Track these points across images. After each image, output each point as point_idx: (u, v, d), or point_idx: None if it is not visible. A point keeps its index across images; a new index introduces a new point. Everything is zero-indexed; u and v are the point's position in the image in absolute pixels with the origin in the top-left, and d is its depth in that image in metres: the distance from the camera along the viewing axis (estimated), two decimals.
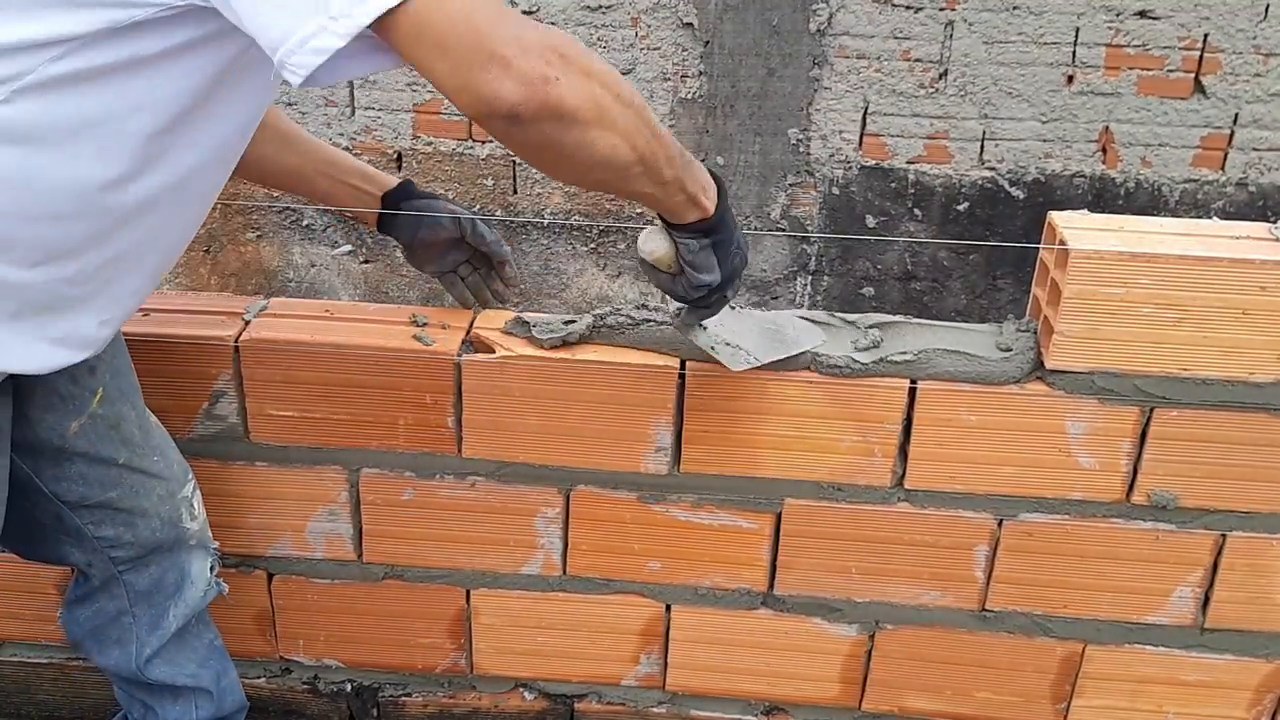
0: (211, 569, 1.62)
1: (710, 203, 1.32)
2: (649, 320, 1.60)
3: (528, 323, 1.62)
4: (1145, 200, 3.41)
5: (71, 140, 1.10)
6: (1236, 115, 3.29)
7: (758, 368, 1.53)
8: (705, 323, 1.52)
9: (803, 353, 1.57)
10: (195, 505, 1.57)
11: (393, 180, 1.67)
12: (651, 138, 1.16)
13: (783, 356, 1.56)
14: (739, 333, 1.56)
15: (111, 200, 1.16)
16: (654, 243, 1.37)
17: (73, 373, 1.36)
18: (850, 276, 3.61)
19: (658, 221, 1.36)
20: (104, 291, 1.25)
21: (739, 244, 1.39)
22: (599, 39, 3.35)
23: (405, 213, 1.66)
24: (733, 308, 1.56)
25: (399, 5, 0.99)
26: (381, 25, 1.00)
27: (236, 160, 1.32)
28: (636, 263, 1.44)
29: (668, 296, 1.44)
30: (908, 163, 3.43)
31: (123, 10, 1.05)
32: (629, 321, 1.60)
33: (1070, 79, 3.29)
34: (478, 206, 3.59)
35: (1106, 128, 3.34)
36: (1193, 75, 3.25)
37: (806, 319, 1.63)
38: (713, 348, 1.51)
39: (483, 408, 1.64)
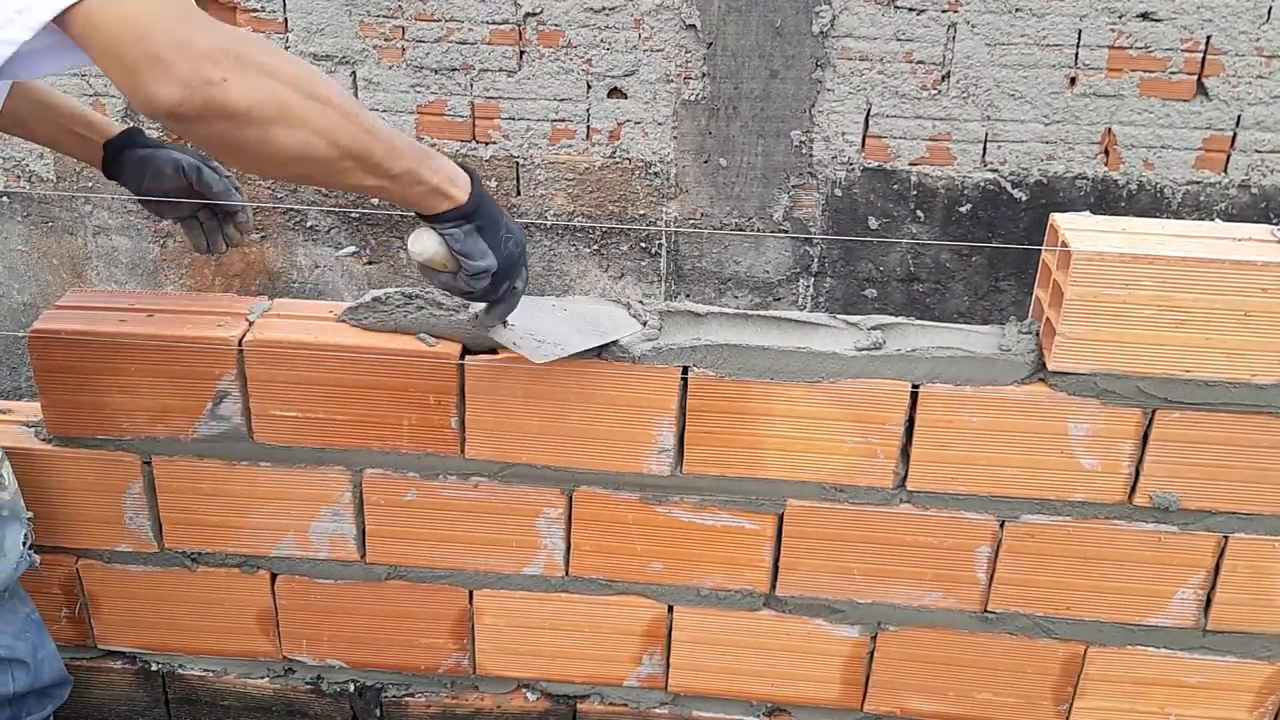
0: (25, 540, 1.58)
1: (461, 191, 1.34)
2: (424, 305, 1.61)
3: None
4: (1148, 202, 3.41)
5: None
6: (1239, 117, 3.29)
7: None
8: (510, 319, 1.51)
9: (612, 342, 1.58)
10: (3, 475, 1.54)
11: (117, 128, 1.63)
12: (362, 132, 1.19)
13: (595, 345, 1.56)
14: (545, 327, 1.55)
15: None
16: (422, 242, 1.37)
17: None
18: (853, 278, 3.61)
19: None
20: None
21: (508, 229, 1.40)
22: (602, 40, 3.36)
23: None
24: (557, 308, 1.57)
25: (75, 3, 1.04)
26: (63, 21, 1.06)
27: None
28: (417, 268, 1.43)
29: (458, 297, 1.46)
30: (910, 164, 3.43)
31: None
32: (401, 301, 1.61)
33: (1073, 81, 3.29)
34: None
35: (1109, 130, 3.34)
36: (1195, 77, 3.25)
37: (624, 308, 1.65)
38: (515, 342, 1.51)
39: (486, 409, 1.64)
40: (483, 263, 1.37)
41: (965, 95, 3.32)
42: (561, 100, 3.44)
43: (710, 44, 3.32)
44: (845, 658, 1.78)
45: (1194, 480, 1.60)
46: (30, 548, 1.59)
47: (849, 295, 3.63)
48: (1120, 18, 3.20)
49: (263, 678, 1.91)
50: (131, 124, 1.65)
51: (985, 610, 1.72)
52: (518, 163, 3.53)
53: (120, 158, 1.62)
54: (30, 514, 1.60)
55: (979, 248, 3.50)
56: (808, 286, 3.63)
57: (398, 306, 1.62)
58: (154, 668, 1.91)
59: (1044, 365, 1.56)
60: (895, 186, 3.46)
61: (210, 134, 1.10)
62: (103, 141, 1.63)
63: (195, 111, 1.07)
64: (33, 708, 1.63)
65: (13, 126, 1.62)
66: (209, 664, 1.90)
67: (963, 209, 3.47)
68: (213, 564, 1.80)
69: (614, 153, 3.50)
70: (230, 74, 1.07)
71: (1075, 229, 1.53)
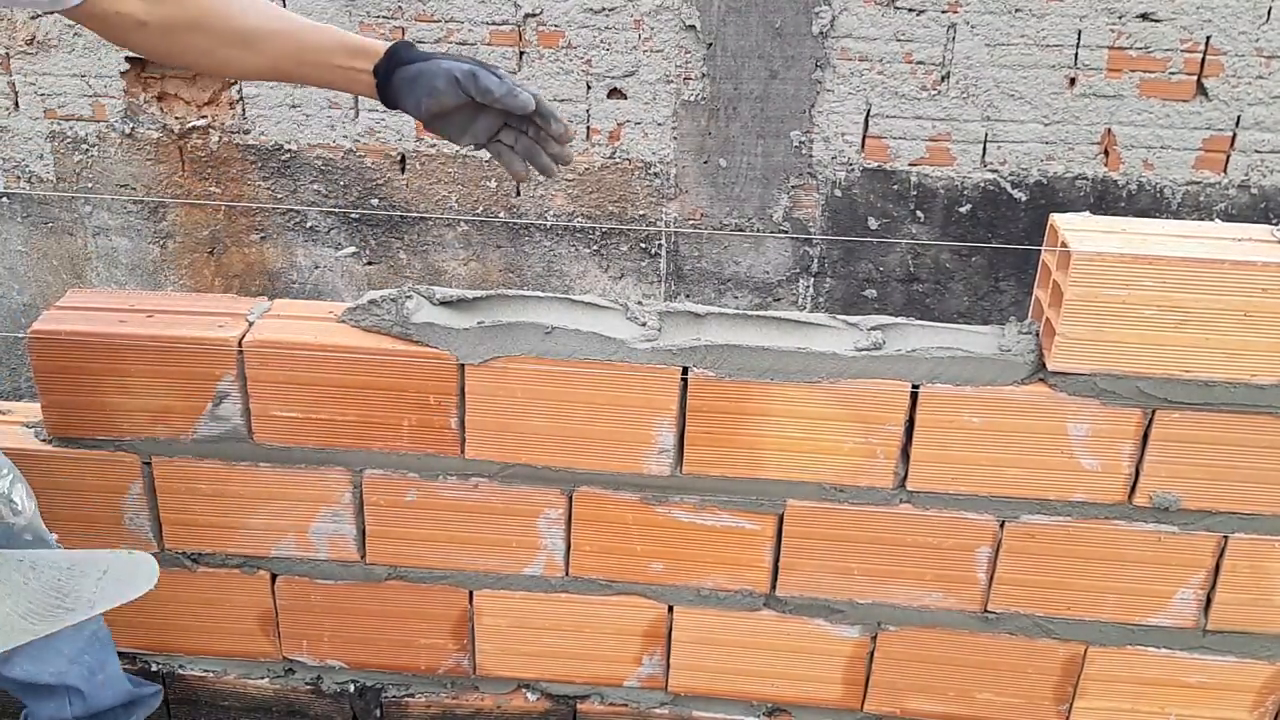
0: None
1: None
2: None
3: None
4: (1147, 202, 3.41)
5: None
6: (1239, 118, 3.29)
7: None
8: None
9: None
10: (17, 500, 1.48)
11: (382, 47, 1.44)
12: None
13: (25, 640, 1.26)
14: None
15: None
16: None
17: None
18: (852, 278, 3.61)
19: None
20: None
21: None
22: (602, 41, 3.36)
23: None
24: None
25: None
26: None
27: None
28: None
29: None
30: (910, 165, 3.43)
31: None
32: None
33: (1072, 81, 3.29)
34: (481, 209, 3.60)
35: (1108, 130, 3.34)
36: (1195, 78, 3.26)
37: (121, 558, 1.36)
38: None
39: (486, 409, 1.64)
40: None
41: (965, 96, 3.33)
42: (561, 101, 3.44)
43: (710, 45, 3.32)
44: (845, 658, 1.78)
45: (1194, 480, 1.60)
46: None
47: (849, 295, 3.63)
48: (1120, 18, 3.20)
49: (263, 678, 1.91)
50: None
51: (985, 610, 1.72)
52: None
53: (391, 82, 1.43)
54: (55, 536, 1.57)
55: (979, 248, 3.50)
56: (807, 287, 3.63)
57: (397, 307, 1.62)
58: (154, 668, 1.91)
59: (1044, 365, 1.56)
60: (895, 187, 3.47)
61: None
62: (371, 67, 1.43)
63: None
64: None
65: (275, 78, 1.49)
66: (209, 664, 1.90)
67: (962, 209, 3.47)
68: (213, 564, 1.80)
69: (614, 153, 3.50)
70: None
71: (1075, 229, 1.54)
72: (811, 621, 1.76)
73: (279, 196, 3.64)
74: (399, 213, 3.64)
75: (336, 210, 3.64)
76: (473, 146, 1.48)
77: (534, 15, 3.34)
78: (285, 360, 1.63)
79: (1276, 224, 1.57)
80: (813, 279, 3.62)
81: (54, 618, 1.29)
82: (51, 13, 1.36)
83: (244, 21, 1.41)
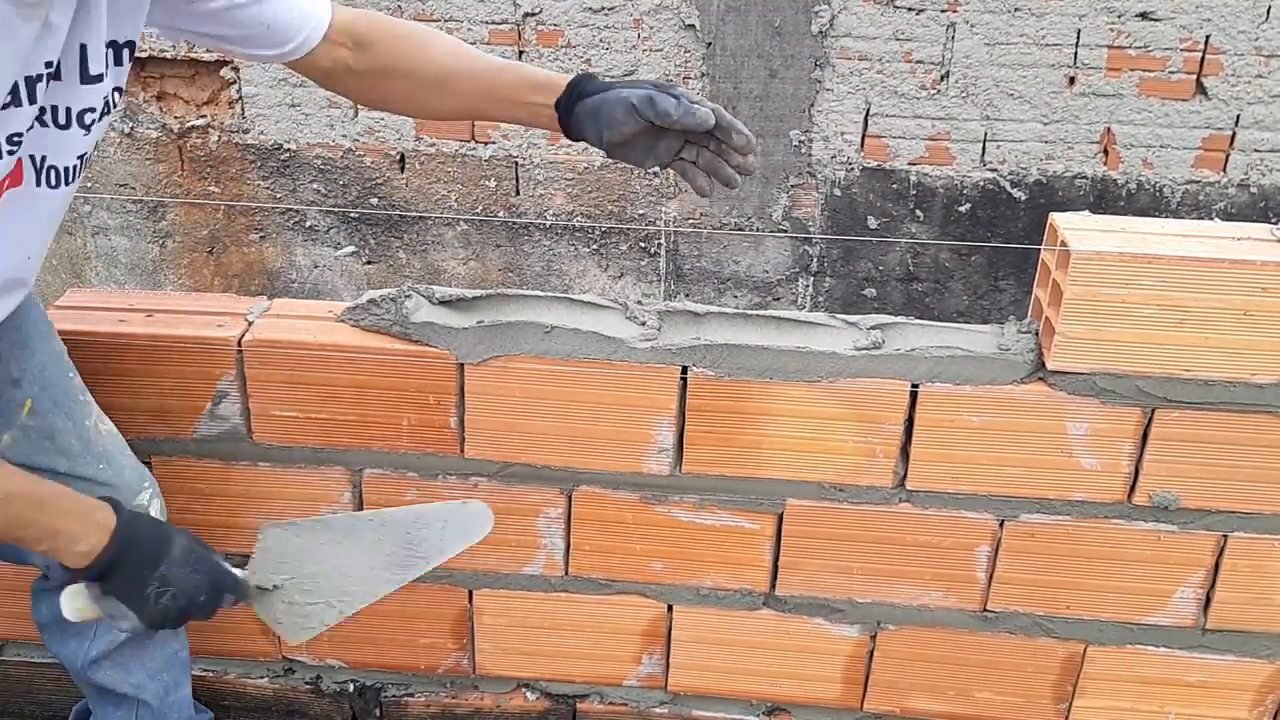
0: None
1: (81, 557, 1.27)
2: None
3: None
4: (1147, 201, 3.41)
5: None
6: (1238, 117, 3.29)
7: None
8: (293, 560, 1.39)
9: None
10: (153, 514, 1.52)
11: (563, 80, 1.44)
12: None
13: (390, 590, 1.41)
14: (333, 571, 1.40)
15: None
16: (70, 602, 1.32)
17: None
18: (852, 278, 3.61)
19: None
20: None
21: (165, 580, 1.30)
22: (601, 40, 3.36)
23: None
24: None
25: None
26: None
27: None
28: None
29: None
30: (909, 164, 3.44)
31: None
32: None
33: (1072, 80, 3.29)
34: (480, 208, 3.60)
35: (1108, 129, 3.34)
36: (1194, 77, 3.26)
37: (464, 510, 1.45)
38: (277, 619, 1.38)
39: (485, 408, 1.64)
40: (125, 624, 1.32)
41: (964, 95, 3.33)
42: None
43: (709, 44, 3.32)
44: (845, 657, 1.78)
45: (1193, 479, 1.60)
46: None
47: (848, 295, 3.63)
48: (1119, 17, 3.20)
49: (262, 678, 1.91)
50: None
51: (985, 609, 1.72)
52: (517, 163, 3.53)
53: (573, 116, 1.43)
54: None
55: (978, 247, 3.50)
56: (807, 286, 3.63)
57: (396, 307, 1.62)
58: None
59: (1043, 365, 1.56)
60: (894, 186, 3.47)
61: None
62: (553, 102, 1.44)
63: None
64: None
65: (465, 118, 1.54)
66: (209, 664, 1.90)
67: (962, 208, 3.47)
68: None
69: None
70: None
71: (1074, 228, 1.54)
72: (811, 621, 1.76)
73: (278, 196, 3.64)
74: (398, 212, 3.64)
75: (336, 210, 3.65)
76: (657, 169, 1.47)
77: (533, 14, 3.34)
78: (285, 360, 1.63)
79: (1276, 223, 1.57)
80: (812, 278, 3.62)
81: (411, 565, 1.42)
82: (277, 63, 1.45)
83: (442, 64, 1.48)
